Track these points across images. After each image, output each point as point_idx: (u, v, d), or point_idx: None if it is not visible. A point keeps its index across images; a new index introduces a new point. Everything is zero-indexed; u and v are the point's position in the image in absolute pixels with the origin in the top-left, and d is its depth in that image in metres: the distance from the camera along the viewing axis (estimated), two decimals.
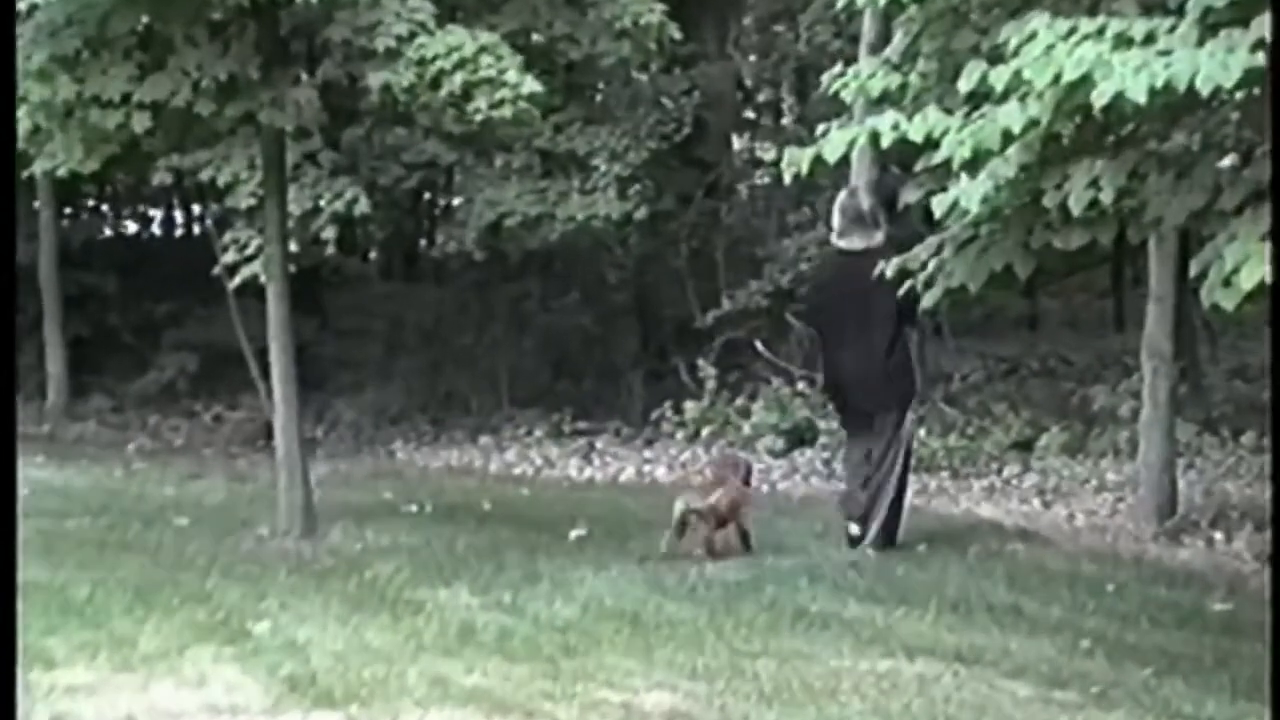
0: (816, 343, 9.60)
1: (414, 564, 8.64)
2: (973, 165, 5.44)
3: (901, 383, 9.29)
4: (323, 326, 19.40)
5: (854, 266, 8.93)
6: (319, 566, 8.71)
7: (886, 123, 5.71)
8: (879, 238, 9.21)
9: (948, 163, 5.50)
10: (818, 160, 5.87)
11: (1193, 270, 5.13)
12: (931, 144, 5.53)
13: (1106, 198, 5.26)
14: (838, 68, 6.75)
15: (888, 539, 9.18)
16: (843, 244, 9.49)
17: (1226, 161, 5.08)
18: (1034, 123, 5.10)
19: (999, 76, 5.18)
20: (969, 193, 5.45)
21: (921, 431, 13.38)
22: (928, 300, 6.22)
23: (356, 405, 17.16)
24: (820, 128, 6.07)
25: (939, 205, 5.62)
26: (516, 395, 17.03)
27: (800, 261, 15.83)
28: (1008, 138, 5.18)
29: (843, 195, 9.64)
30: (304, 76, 10.23)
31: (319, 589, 7.99)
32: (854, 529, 9.20)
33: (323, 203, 14.19)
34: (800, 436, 14.06)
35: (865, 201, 9.55)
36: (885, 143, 5.70)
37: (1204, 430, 12.23)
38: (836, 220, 9.56)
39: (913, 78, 6.41)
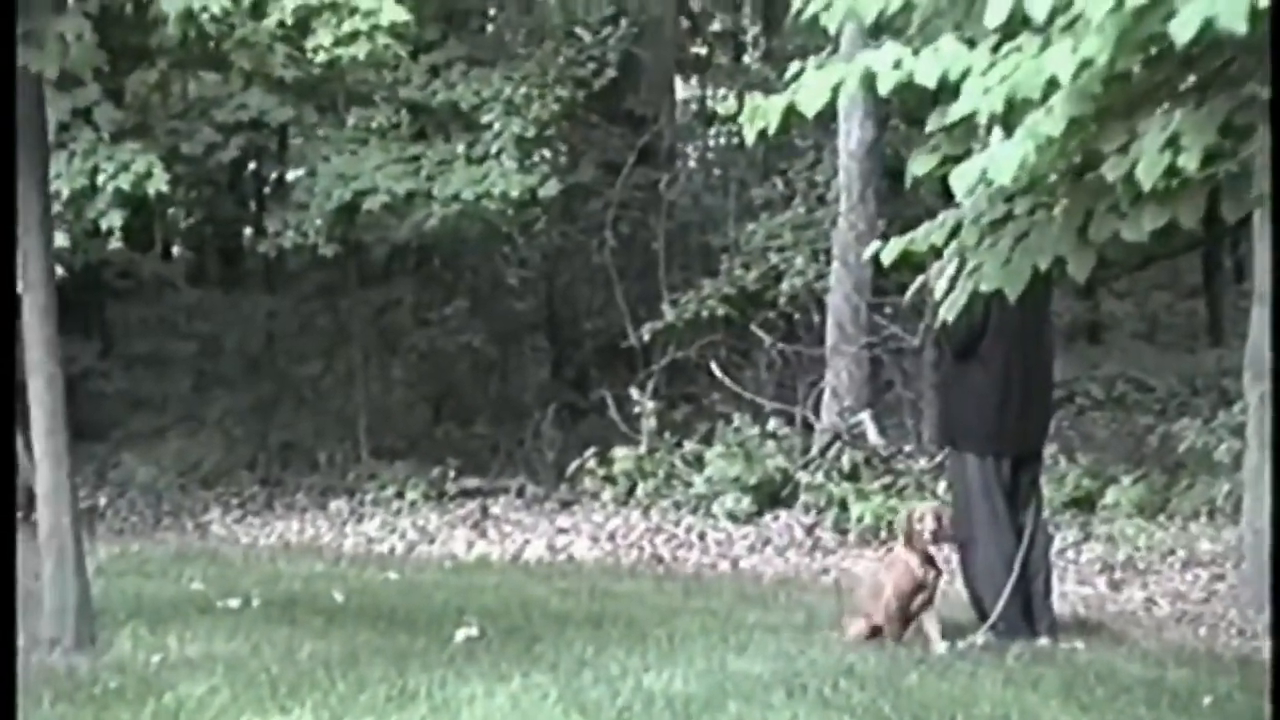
0: (948, 363, 9.74)
1: (235, 682, 8.53)
2: (1006, 120, 5.40)
3: None
4: (106, 352, 19.28)
5: None
6: (99, 689, 8.58)
7: (886, 59, 5.68)
8: None
9: (971, 118, 5.46)
10: (791, 112, 5.83)
11: None
12: (949, 90, 5.49)
13: (1190, 161, 5.20)
14: None
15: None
16: None
17: None
18: (1087, 63, 5.04)
19: (1038, 2, 5.11)
20: (999, 161, 5.35)
21: (941, 485, 13.49)
22: (948, 311, 6.16)
23: (155, 461, 17.05)
24: (794, 67, 6.04)
25: (959, 180, 5.49)
26: (381, 444, 16.98)
27: (770, 253, 15.88)
28: (1053, 83, 5.13)
29: None
30: (70, 1, 10.15)
31: None
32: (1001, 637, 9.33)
33: (102, 178, 14.08)
34: (774, 495, 14.07)
35: None
36: (884, 88, 5.65)
37: None
38: None
39: None
